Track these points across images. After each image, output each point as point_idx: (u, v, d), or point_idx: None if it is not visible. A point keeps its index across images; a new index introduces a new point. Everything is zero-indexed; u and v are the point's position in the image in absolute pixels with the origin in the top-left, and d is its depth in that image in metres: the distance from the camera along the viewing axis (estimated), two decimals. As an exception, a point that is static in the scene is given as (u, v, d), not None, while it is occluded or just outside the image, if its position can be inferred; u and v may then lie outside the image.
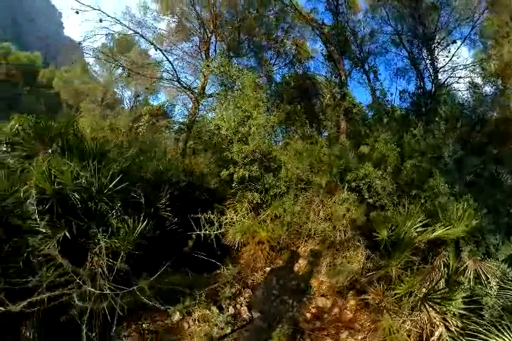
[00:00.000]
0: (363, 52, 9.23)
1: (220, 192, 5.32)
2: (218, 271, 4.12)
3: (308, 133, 6.46)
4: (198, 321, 3.33)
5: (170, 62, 8.97)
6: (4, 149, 3.24)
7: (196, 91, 9.07)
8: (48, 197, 2.77)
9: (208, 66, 6.75)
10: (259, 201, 4.83)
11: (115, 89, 15.79)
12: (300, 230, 4.74)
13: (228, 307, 3.61)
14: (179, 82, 8.95)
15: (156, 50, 9.02)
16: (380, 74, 8.96)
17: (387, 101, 8.64)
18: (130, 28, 8.57)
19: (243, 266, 4.42)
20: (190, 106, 9.45)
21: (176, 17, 9.65)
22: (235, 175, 4.96)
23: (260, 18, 9.35)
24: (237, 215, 4.55)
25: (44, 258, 2.51)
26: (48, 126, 3.45)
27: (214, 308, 3.49)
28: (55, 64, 19.86)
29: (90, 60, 15.11)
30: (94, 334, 2.50)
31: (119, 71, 11.63)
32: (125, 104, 15.87)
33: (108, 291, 2.54)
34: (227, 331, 3.28)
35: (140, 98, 14.38)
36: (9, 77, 16.49)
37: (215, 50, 9.28)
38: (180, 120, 9.38)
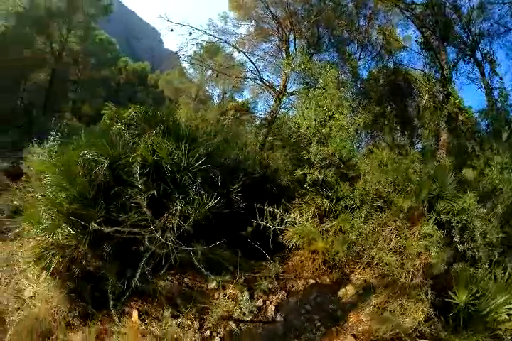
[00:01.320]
0: (472, 34, 6.51)
1: (290, 190, 5.27)
2: (264, 264, 4.20)
3: (398, 141, 5.79)
4: (228, 298, 3.62)
5: (252, 62, 9.78)
6: (123, 127, 4.43)
7: (278, 89, 9.51)
8: (148, 165, 3.65)
9: (288, 64, 6.87)
10: (327, 209, 4.52)
11: (206, 88, 18.82)
12: (361, 254, 4.17)
13: (258, 299, 3.69)
14: (262, 81, 9.73)
15: (239, 52, 10.14)
16: (499, 64, 6.11)
17: (510, 105, 5.98)
18: (215, 36, 9.98)
19: (289, 269, 4.31)
20: (272, 103, 9.90)
21: (253, 21, 10.49)
22: (309, 177, 4.79)
23: (338, 8, 8.75)
24: (300, 217, 4.39)
25: (135, 205, 3.36)
26: (154, 114, 4.61)
27: (246, 293, 3.67)
28: (159, 70, 26.65)
29: (185, 65, 18.01)
30: (148, 268, 3.24)
31: (209, 73, 13.86)
32: (214, 99, 18.69)
33: (170, 243, 3.20)
34: (247, 318, 3.40)
35: (227, 95, 16.46)
36: (128, 80, 23.20)
37: (295, 48, 9.42)
38: (262, 116, 9.99)
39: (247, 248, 4.03)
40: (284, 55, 9.64)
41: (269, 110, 9.77)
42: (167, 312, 3.27)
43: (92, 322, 3.17)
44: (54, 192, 3.46)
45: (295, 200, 4.78)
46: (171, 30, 9.00)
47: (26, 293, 3.49)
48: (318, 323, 3.46)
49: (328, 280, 4.11)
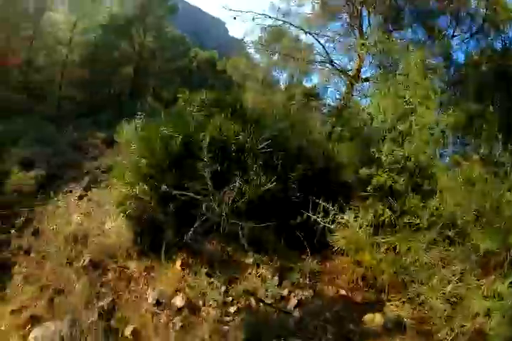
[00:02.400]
0: None
1: (350, 190, 4.87)
2: (303, 257, 4.18)
3: (497, 156, 3.93)
4: (259, 276, 3.86)
5: (321, 44, 8.94)
6: (195, 109, 4.91)
7: (350, 73, 8.47)
8: (215, 143, 4.09)
9: (362, 45, 6.03)
10: (386, 220, 3.86)
11: (273, 72, 17.67)
12: (408, 285, 3.46)
13: (285, 289, 3.77)
14: (332, 64, 8.79)
15: (305, 34, 9.23)
16: None
17: None
18: (279, 19, 9.33)
19: (325, 271, 4.14)
20: (343, 89, 8.97)
21: (318, -2, 8.54)
22: (375, 179, 4.13)
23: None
24: (354, 221, 3.87)
25: (200, 176, 3.85)
26: (222, 98, 5.02)
27: (276, 279, 3.84)
28: (226, 57, 26.58)
29: (251, 50, 17.52)
30: (199, 230, 3.78)
31: (275, 57, 13.13)
32: (281, 84, 17.60)
33: (223, 214, 3.62)
34: (267, 301, 3.58)
35: (294, 79, 15.57)
36: (199, 68, 24.60)
37: (369, 25, 7.97)
38: (332, 103, 9.26)
39: (291, 237, 4.13)
40: (357, 34, 8.36)
41: (339, 97, 8.98)
42: (204, 270, 3.85)
43: (145, 258, 4.05)
44: (137, 158, 4.36)
45: (353, 202, 4.28)
46: (234, 18, 8.92)
47: (106, 226, 4.58)
48: (330, 336, 3.30)
49: (359, 298, 3.71)
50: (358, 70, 8.16)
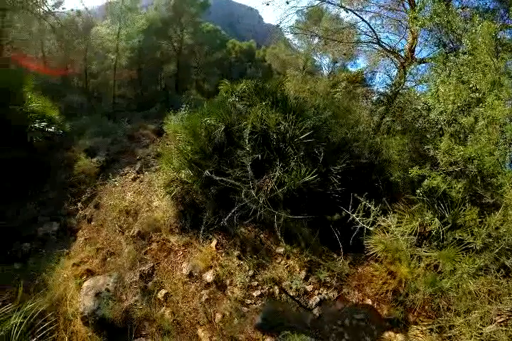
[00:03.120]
0: None
1: (396, 190, 4.39)
2: (334, 256, 3.99)
3: None
4: (287, 267, 3.89)
5: (365, 21, 7.80)
6: (236, 99, 4.99)
7: (402, 54, 7.31)
8: (257, 132, 4.13)
9: (415, 19, 4.77)
10: (433, 232, 3.33)
11: (314, 57, 16.90)
12: (441, 312, 3.02)
13: (310, 284, 3.70)
14: (379, 44, 7.65)
15: (346, 12, 8.05)
16: None
17: None
18: None
19: (355, 275, 3.85)
20: (395, 73, 7.72)
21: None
22: (426, 181, 3.53)
23: None
24: (397, 227, 3.46)
25: (241, 163, 3.96)
26: (263, 87, 5.01)
27: (303, 273, 3.80)
28: (264, 45, 27.89)
29: (290, 36, 16.79)
30: (236, 215, 3.78)
31: (316, 41, 11.99)
32: (324, 70, 16.80)
33: (261, 201, 3.60)
34: (290, 293, 3.58)
35: (338, 64, 14.46)
36: (238, 59, 25.48)
37: None
38: (381, 90, 8.03)
39: (325, 233, 3.97)
40: (407, 6, 6.95)
41: (389, 83, 7.46)
42: (235, 252, 4.09)
43: (185, 235, 4.44)
44: (183, 146, 4.71)
45: (398, 204, 3.79)
46: (267, 4, 8.55)
47: (154, 204, 5.10)
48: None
49: (384, 312, 3.40)
50: (411, 50, 6.95)
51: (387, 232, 3.49)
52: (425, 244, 3.41)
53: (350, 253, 3.93)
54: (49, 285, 3.83)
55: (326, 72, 16.30)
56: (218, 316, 3.42)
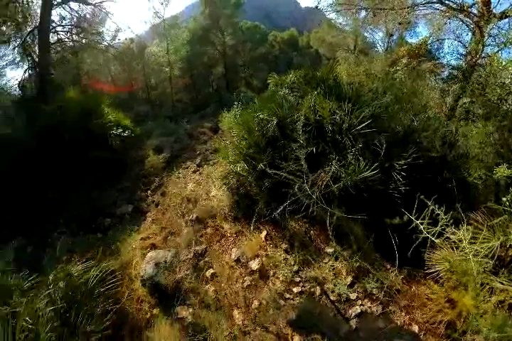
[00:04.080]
0: None
1: (475, 195, 3.69)
2: (387, 266, 3.50)
3: None
4: (333, 269, 3.63)
5: None
6: (287, 91, 4.94)
7: (475, 11, 5.54)
8: (310, 124, 3.96)
9: None
10: None
11: (365, 34, 14.81)
12: None
13: (354, 293, 3.37)
14: (442, 3, 5.88)
15: None
16: None
17: None
18: None
19: (406, 293, 3.27)
20: (468, 38, 6.06)
21: None
22: None
23: None
24: (470, 244, 2.81)
25: (295, 157, 3.86)
26: (313, 75, 4.76)
27: (349, 279, 3.49)
28: (306, 31, 26.66)
29: (332, 15, 14.49)
30: (288, 208, 3.68)
31: (363, 14, 10.32)
32: (378, 47, 14.48)
33: (314, 197, 3.44)
34: (331, 297, 3.34)
35: (394, 37, 11.86)
36: (282, 50, 24.71)
37: None
38: (453, 62, 6.33)
39: (381, 238, 3.56)
40: None
41: (463, 51, 6.01)
42: (283, 245, 4.08)
43: (237, 223, 4.66)
44: (238, 141, 4.92)
45: (476, 214, 3.03)
46: None
47: (211, 193, 5.51)
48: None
49: None
50: (486, 3, 5.24)
51: (457, 249, 2.85)
52: (503, 273, 2.69)
53: (406, 267, 3.42)
54: (121, 252, 4.59)
55: (381, 49, 13.95)
56: (255, 303, 3.47)
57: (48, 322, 2.55)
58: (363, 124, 3.47)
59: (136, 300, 3.77)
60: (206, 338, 3.21)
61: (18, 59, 8.48)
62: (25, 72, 8.57)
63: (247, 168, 4.60)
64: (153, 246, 4.68)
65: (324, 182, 3.54)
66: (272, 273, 3.78)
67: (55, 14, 8.82)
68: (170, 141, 8.99)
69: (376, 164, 3.22)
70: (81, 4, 8.94)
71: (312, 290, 3.48)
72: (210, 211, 5.03)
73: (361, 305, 3.25)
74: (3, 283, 2.93)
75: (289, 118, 4.17)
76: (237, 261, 4.06)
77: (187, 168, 7.13)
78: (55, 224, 5.64)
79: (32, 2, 7.68)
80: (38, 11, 7.73)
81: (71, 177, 6.39)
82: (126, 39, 16.44)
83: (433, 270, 2.97)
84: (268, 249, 4.08)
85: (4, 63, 8.49)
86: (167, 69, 16.46)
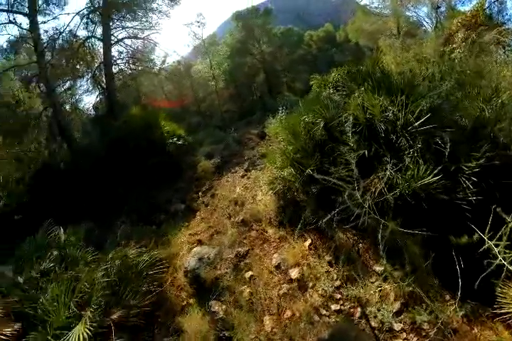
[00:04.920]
0: None
1: None
2: (446, 296, 2.88)
3: None
4: (379, 291, 3.19)
5: None
6: (331, 91, 4.67)
7: None
8: (360, 123, 3.62)
9: None
10: None
11: (407, 13, 12.70)
12: None
13: (401, 322, 2.87)
14: None
15: None
16: None
17: None
18: None
19: (465, 334, 2.60)
20: None
21: None
22: None
23: None
24: None
25: (344, 161, 3.57)
26: (357, 71, 4.39)
27: (397, 305, 3.01)
28: (342, 24, 25.21)
29: (365, 1, 13.31)
30: (336, 218, 3.39)
31: None
32: (425, 25, 12.24)
33: (365, 206, 3.07)
34: (373, 323, 2.91)
35: (442, 9, 9.94)
36: (320, 49, 23.90)
37: None
38: None
39: (442, 259, 2.99)
40: None
41: None
42: (327, 257, 3.81)
43: (282, 228, 4.57)
44: (284, 146, 4.83)
45: None
46: None
47: (258, 198, 5.57)
48: None
49: None
50: None
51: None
52: None
53: (470, 301, 2.76)
54: (170, 243, 4.97)
55: (429, 26, 11.91)
56: (288, 313, 3.29)
57: (101, 290, 2.97)
58: (421, 120, 3.01)
59: (177, 288, 4.00)
60: (232, 337, 3.18)
61: (91, 88, 11.29)
62: (97, 97, 11.32)
63: (294, 173, 4.52)
64: (199, 242, 4.92)
65: (377, 190, 3.18)
66: (311, 284, 3.56)
67: (114, 50, 10.98)
68: (219, 148, 9.61)
69: (439, 167, 2.78)
70: (133, 40, 11.40)
71: (352, 310, 3.13)
72: (255, 215, 5.06)
73: (405, 339, 2.75)
74: (73, 253, 3.56)
75: (336, 120, 3.91)
76: (277, 267, 3.94)
77: (235, 172, 7.43)
78: (118, 214, 6.55)
79: (96, 44, 10.24)
80: (101, 50, 10.30)
81: (135, 178, 7.39)
82: (173, 62, 19.09)
83: (505, 310, 2.36)
84: (310, 259, 3.87)
85: (81, 92, 11.32)
86: (212, 82, 18.27)
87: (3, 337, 2.41)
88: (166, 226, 5.78)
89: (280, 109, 6.56)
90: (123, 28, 10.75)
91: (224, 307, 3.52)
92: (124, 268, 3.51)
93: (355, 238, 3.86)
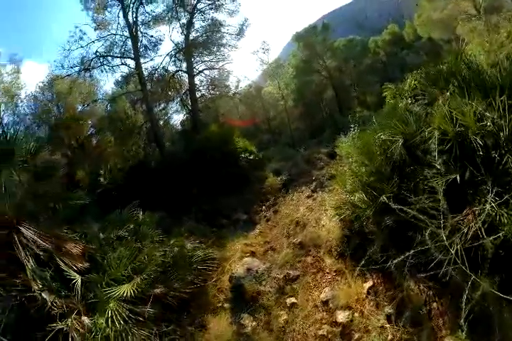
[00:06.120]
0: None
1: None
2: None
3: None
4: None
5: None
6: (409, 101, 3.85)
7: None
8: (449, 139, 2.86)
9: None
10: None
11: None
12: None
13: None
14: None
15: None
16: None
17: None
18: None
19: None
20: None
21: None
22: None
23: None
24: None
25: (429, 188, 2.86)
26: (437, 71, 3.50)
27: None
28: (406, 20, 21.87)
29: None
30: (410, 261, 2.74)
31: None
32: None
33: (452, 251, 2.37)
34: None
35: None
36: (389, 53, 21.77)
37: None
38: None
39: None
40: None
41: None
42: (387, 309, 3.12)
43: (341, 261, 4.07)
44: (356, 167, 4.30)
45: None
46: None
47: (321, 222, 5.17)
48: None
49: None
50: None
51: None
52: None
53: None
54: (225, 247, 5.19)
55: None
56: None
57: (155, 266, 3.42)
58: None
59: (218, 289, 4.07)
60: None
61: (179, 108, 14.75)
62: (183, 115, 14.67)
63: (365, 199, 3.92)
64: (253, 254, 4.90)
65: (471, 230, 2.40)
66: (356, 336, 2.98)
67: (197, 80, 13.96)
68: (288, 166, 9.68)
69: None
70: (210, 70, 14.16)
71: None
72: (315, 239, 4.70)
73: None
74: (144, 230, 4.21)
75: (418, 136, 3.23)
76: (325, 303, 3.49)
77: (301, 192, 7.23)
78: (188, 211, 7.34)
79: (182, 76, 13.44)
80: (187, 80, 13.28)
81: (208, 183, 8.34)
82: (246, 86, 21.37)
83: None
84: (366, 305, 3.27)
85: (172, 111, 15.09)
86: (281, 102, 19.67)
87: (76, 269, 3.13)
88: (226, 231, 6.11)
89: (352, 126, 6.06)
90: (202, 61, 13.71)
91: (254, 324, 3.34)
92: (180, 255, 3.92)
93: (430, 293, 3.01)
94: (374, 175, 3.77)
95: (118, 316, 2.84)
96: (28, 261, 2.87)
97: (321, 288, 3.75)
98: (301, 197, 6.91)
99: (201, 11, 12.67)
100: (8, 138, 3.55)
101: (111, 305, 2.94)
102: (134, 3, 11.02)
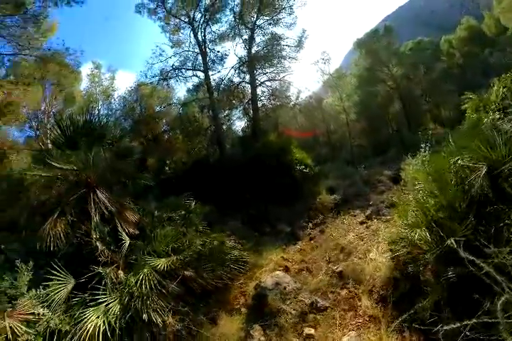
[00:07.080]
0: None
1: None
2: None
3: None
4: None
5: None
6: (496, 116, 2.95)
7: None
8: None
9: None
10: None
11: None
12: None
13: None
14: None
15: None
16: None
17: None
18: None
19: None
20: None
21: None
22: None
23: None
24: None
25: None
26: None
27: None
28: (483, 10, 18.34)
29: None
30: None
31: None
32: None
33: None
34: None
35: None
36: (464, 53, 18.05)
37: None
38: None
39: None
40: None
41: None
42: None
43: (381, 306, 3.50)
44: (424, 197, 3.58)
45: None
46: None
47: (370, 254, 4.57)
48: None
49: None
50: None
51: None
52: None
53: None
54: (261, 255, 5.15)
55: None
56: None
57: (192, 252, 3.82)
58: None
59: (241, 292, 4.05)
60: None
61: (241, 116, 15.56)
62: (245, 123, 15.31)
63: (429, 238, 3.27)
64: (286, 269, 4.70)
65: None
66: None
67: (258, 90, 14.53)
68: (344, 185, 8.94)
69: None
70: (272, 81, 14.64)
71: None
72: (358, 273, 4.22)
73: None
74: (192, 218, 4.67)
75: (508, 163, 2.66)
76: None
77: (354, 216, 6.60)
78: (236, 211, 7.57)
79: (245, 86, 14.30)
80: (249, 90, 13.98)
81: (260, 189, 8.47)
82: (306, 97, 20.76)
83: None
84: None
85: (235, 118, 15.96)
86: (343, 115, 18.13)
87: (127, 233, 3.84)
88: (267, 239, 6.06)
89: (422, 145, 5.17)
90: (264, 73, 14.50)
91: (262, 339, 3.19)
92: (217, 250, 4.18)
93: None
94: (444, 209, 3.16)
95: (147, 281, 3.29)
96: (95, 216, 3.78)
97: (347, 329, 3.29)
98: (353, 221, 6.32)
99: (261, 27, 13.85)
100: (102, 125, 4.63)
101: (145, 270, 3.45)
102: (202, 25, 13.30)
